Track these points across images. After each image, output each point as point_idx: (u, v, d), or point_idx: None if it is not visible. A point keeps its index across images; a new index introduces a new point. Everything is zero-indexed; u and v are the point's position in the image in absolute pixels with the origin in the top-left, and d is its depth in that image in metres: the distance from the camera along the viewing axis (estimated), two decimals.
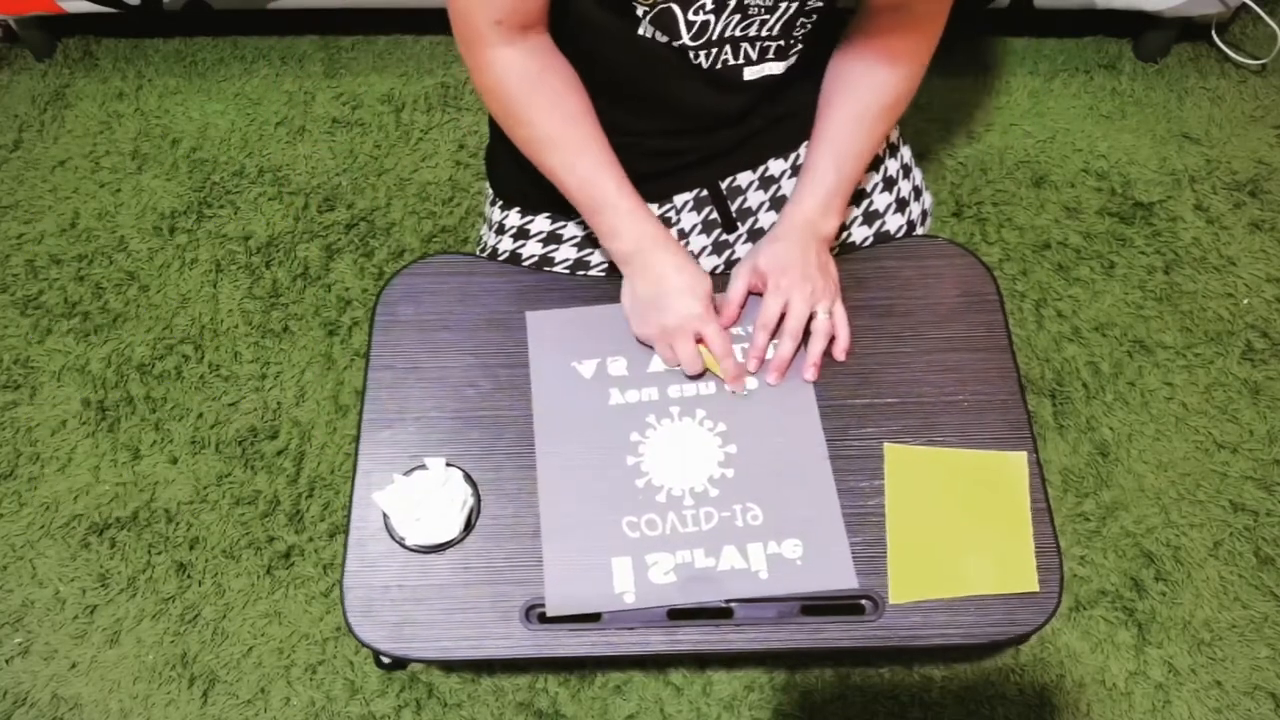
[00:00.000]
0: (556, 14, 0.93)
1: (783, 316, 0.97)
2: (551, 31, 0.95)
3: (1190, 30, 1.75)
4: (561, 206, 1.01)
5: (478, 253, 1.14)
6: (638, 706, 1.23)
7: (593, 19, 0.91)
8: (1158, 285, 1.52)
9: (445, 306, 1.03)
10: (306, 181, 1.66)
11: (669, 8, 0.87)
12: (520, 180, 1.05)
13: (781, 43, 0.94)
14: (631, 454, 0.94)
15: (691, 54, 0.92)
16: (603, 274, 1.06)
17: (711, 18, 0.88)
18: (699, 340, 0.95)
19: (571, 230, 1.08)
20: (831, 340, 0.97)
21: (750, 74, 0.96)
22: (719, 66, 0.94)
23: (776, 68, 0.96)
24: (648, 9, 0.87)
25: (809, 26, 0.93)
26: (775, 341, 0.97)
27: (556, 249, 1.07)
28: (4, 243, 1.61)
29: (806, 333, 0.97)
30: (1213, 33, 1.73)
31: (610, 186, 0.95)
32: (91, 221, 1.63)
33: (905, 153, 1.13)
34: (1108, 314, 1.50)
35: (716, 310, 0.97)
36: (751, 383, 0.97)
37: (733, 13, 0.88)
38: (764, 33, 0.91)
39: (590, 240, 1.07)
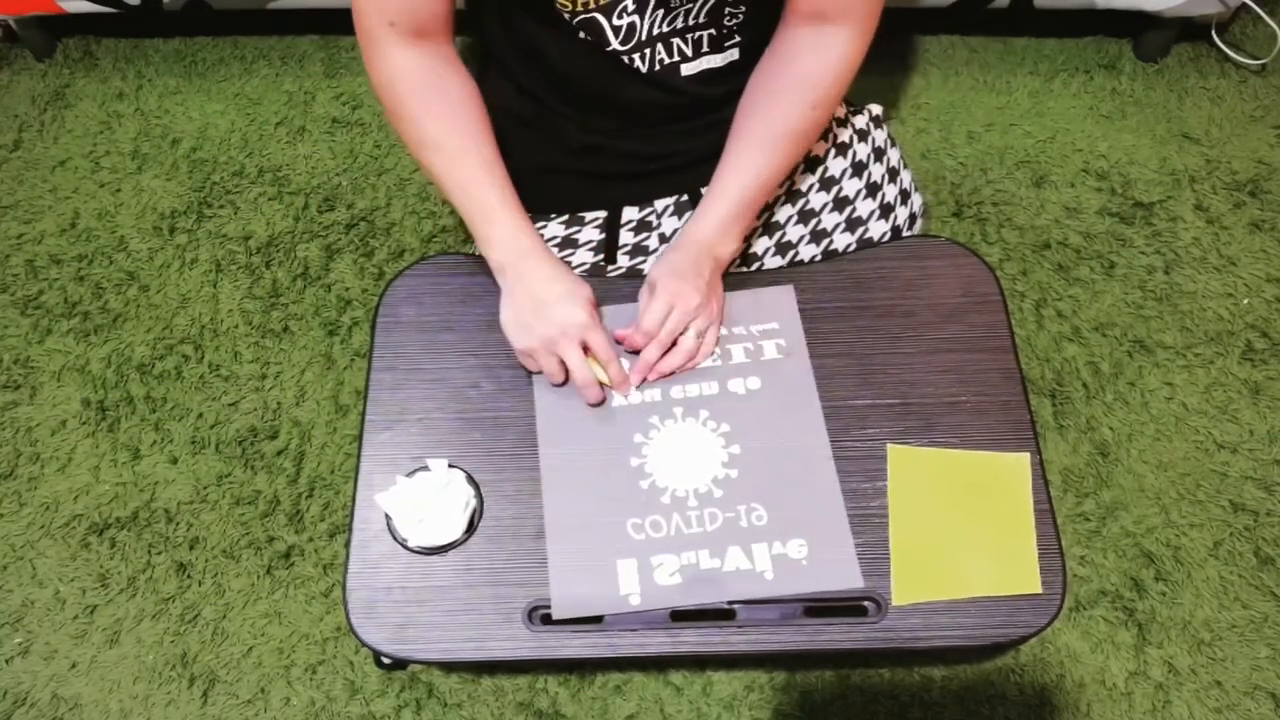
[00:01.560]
0: (504, 25, 0.93)
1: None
2: (509, 39, 0.96)
3: (1190, 30, 1.75)
4: (539, 207, 1.01)
5: (475, 254, 1.14)
6: (638, 706, 1.23)
7: (535, 30, 0.92)
8: (1158, 285, 1.52)
9: (447, 307, 1.03)
10: (306, 181, 1.66)
11: (593, 17, 0.87)
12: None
13: (713, 31, 0.93)
14: (635, 455, 0.94)
15: (626, 59, 0.91)
16: (585, 273, 1.06)
17: (636, 19, 0.88)
18: (584, 348, 0.95)
19: (551, 230, 1.07)
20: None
21: (688, 70, 0.95)
22: (657, 68, 0.94)
23: (714, 60, 0.96)
24: (570, 15, 0.87)
25: (739, 17, 0.92)
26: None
27: None
28: (4, 243, 1.61)
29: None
30: (1213, 33, 1.73)
31: (490, 195, 0.95)
32: (91, 221, 1.63)
33: (893, 155, 1.12)
34: (1108, 314, 1.50)
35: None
36: (754, 383, 0.97)
37: (655, 8, 0.88)
38: (691, 23, 0.91)
39: (570, 241, 1.07)
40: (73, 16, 1.68)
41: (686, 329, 0.95)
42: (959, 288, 1.02)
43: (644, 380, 0.97)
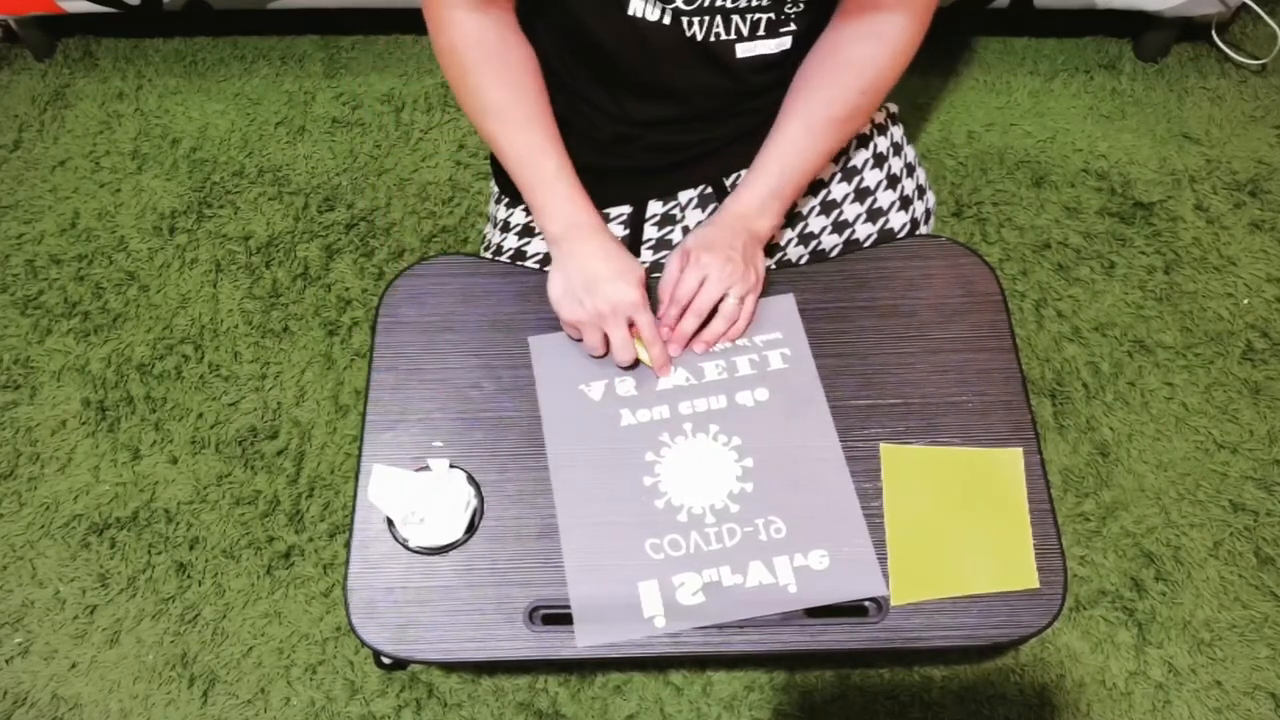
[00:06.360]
0: (544, 7, 0.93)
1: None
2: (549, 22, 0.96)
3: (1190, 30, 1.76)
4: None
5: (482, 250, 1.14)
6: (638, 706, 1.23)
7: (583, 5, 0.92)
8: (1158, 285, 1.52)
9: (448, 308, 1.03)
10: (306, 181, 1.66)
11: None
12: None
13: (771, 16, 0.93)
14: (648, 474, 0.93)
15: (685, 22, 0.91)
16: None
17: None
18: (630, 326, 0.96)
19: None
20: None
21: (742, 51, 0.96)
22: (711, 40, 0.94)
23: (768, 46, 0.96)
24: None
25: (801, 6, 0.93)
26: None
27: None
28: (4, 243, 1.61)
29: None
30: (1213, 33, 1.74)
31: (549, 164, 0.96)
32: (91, 221, 1.63)
33: (909, 151, 1.13)
34: (1108, 314, 1.50)
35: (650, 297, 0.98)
36: (762, 394, 0.97)
37: None
38: (754, 2, 0.91)
39: None
40: (73, 16, 1.68)
41: (725, 296, 0.96)
42: (959, 288, 1.02)
43: (683, 348, 0.98)
